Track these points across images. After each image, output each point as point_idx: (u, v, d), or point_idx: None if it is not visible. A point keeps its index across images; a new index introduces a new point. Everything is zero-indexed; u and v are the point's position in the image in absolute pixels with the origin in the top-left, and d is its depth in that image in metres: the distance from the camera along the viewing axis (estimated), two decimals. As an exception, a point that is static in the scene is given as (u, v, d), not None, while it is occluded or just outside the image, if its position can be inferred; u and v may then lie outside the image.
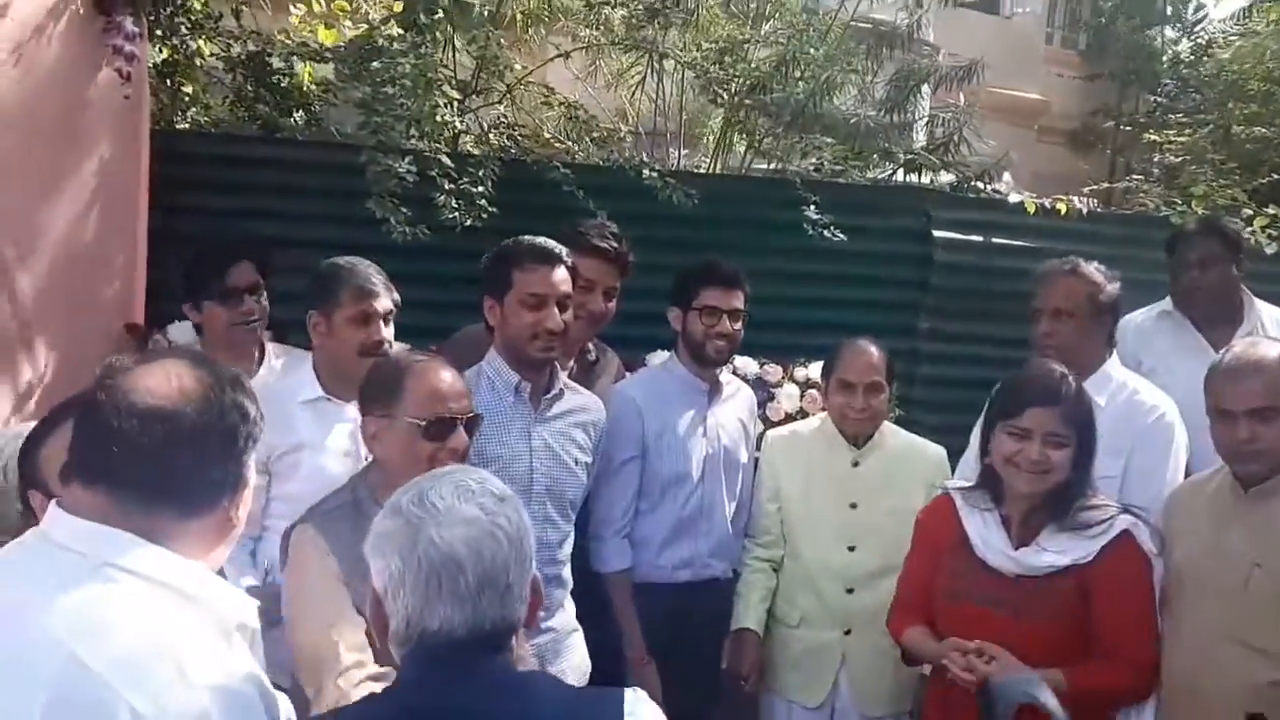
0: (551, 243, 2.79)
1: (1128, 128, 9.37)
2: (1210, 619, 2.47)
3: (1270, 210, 4.95)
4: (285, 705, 1.53)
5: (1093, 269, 3.25)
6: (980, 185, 5.42)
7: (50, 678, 1.24)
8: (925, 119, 7.41)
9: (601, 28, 5.24)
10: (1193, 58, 9.31)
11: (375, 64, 3.46)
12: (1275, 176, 6.43)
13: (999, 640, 2.50)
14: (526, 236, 2.80)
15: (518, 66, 4.72)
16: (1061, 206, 4.62)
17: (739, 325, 3.24)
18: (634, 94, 5.61)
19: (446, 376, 2.34)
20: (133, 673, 1.27)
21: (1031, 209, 4.62)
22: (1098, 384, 3.15)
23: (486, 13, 4.89)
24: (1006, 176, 10.64)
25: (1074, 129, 10.66)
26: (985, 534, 2.61)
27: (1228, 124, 7.30)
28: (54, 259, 3.23)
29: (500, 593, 1.45)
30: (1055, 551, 2.52)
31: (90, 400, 1.43)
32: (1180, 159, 7.46)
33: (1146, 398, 3.16)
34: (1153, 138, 8.14)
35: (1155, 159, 7.95)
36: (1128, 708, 2.56)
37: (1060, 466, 2.51)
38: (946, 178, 5.72)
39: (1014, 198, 4.77)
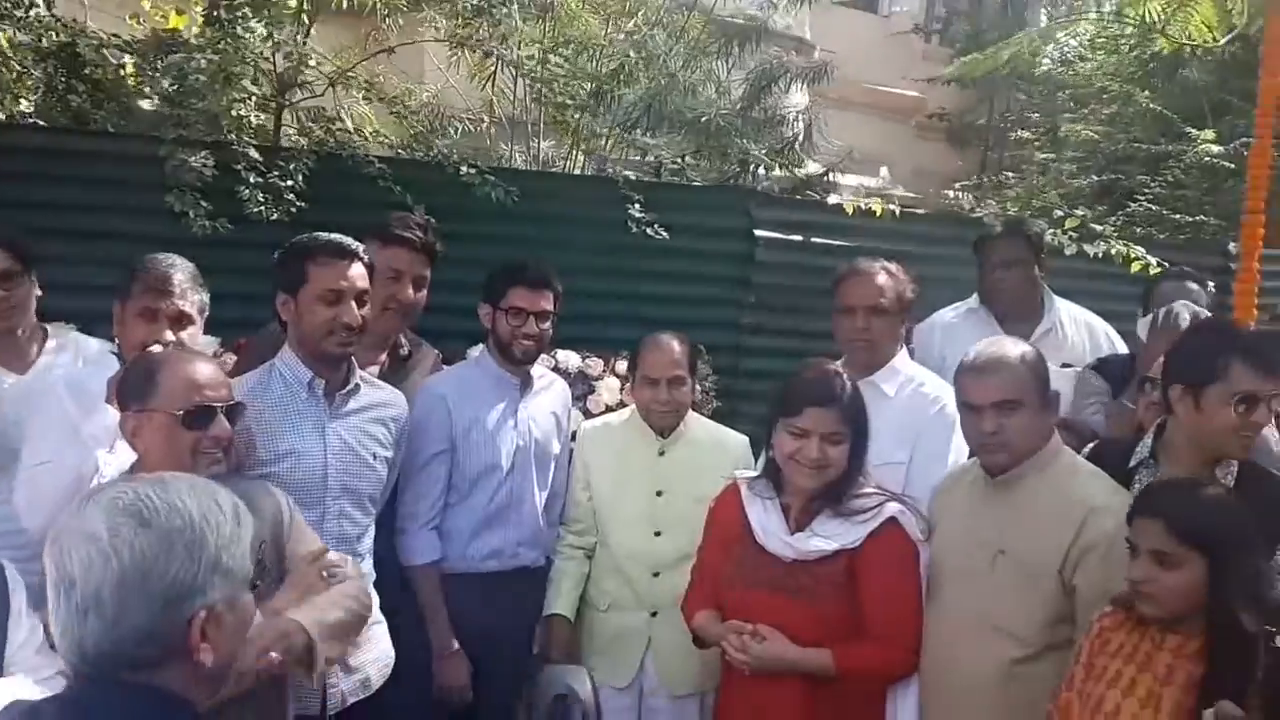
0: (346, 238, 2.79)
1: (998, 125, 9.68)
2: (962, 601, 2.62)
3: (1079, 213, 5.22)
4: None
5: (897, 268, 3.40)
6: (822, 185, 5.60)
7: None
8: (794, 115, 7.54)
9: (453, 20, 5.22)
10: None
11: (173, 60, 3.40)
12: (1096, 178, 6.80)
13: (776, 621, 2.63)
14: (321, 233, 2.80)
15: (351, 60, 4.70)
16: (876, 208, 4.81)
17: (546, 325, 3.28)
18: (485, 86, 5.62)
19: (203, 366, 2.35)
20: None
21: (850, 210, 4.78)
22: (887, 376, 3.31)
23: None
24: (884, 171, 10.92)
25: (951, 126, 10.95)
26: (765, 521, 2.74)
27: (1055, 126, 7.64)
28: None
29: (106, 622, 1.35)
30: (825, 536, 2.65)
31: None
32: (1030, 152, 7.83)
33: (931, 390, 3.32)
34: (1020, 135, 8.49)
35: (1028, 154, 8.26)
36: (893, 684, 2.70)
37: (837, 462, 2.65)
38: (813, 168, 5.88)
39: (832, 199, 4.94)
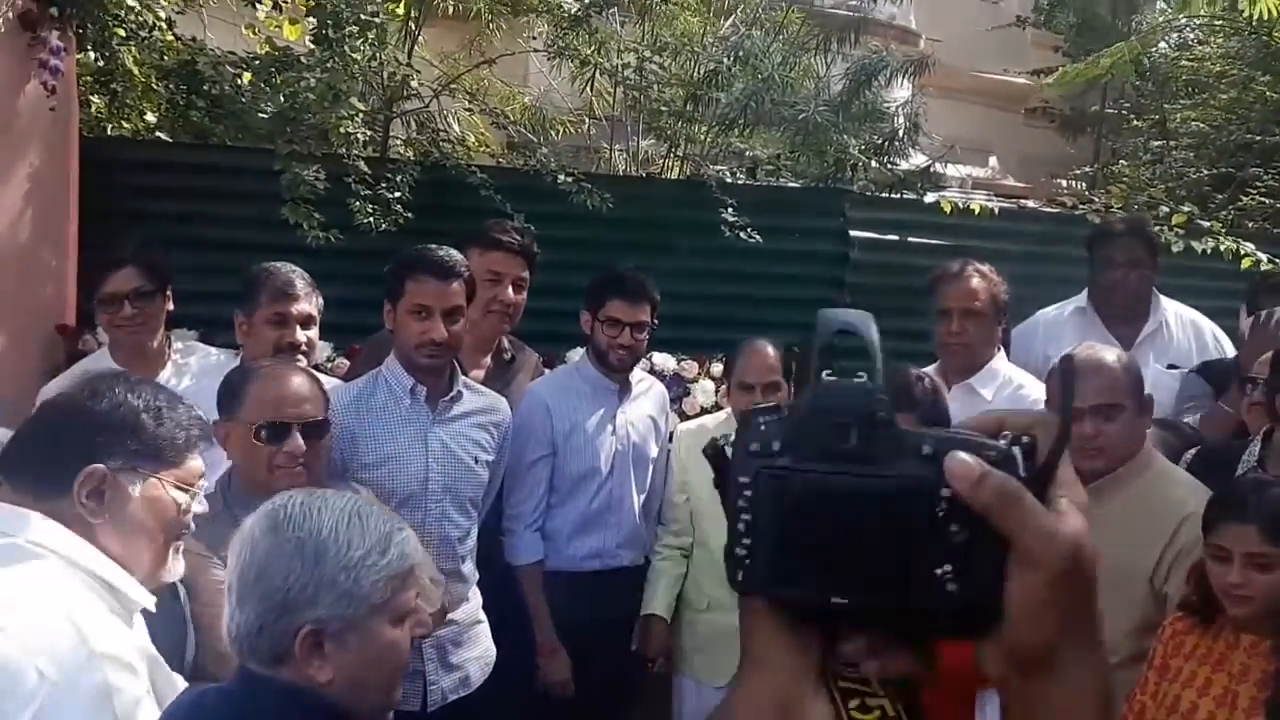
0: (450, 254, 2.88)
1: (1111, 111, 9.39)
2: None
3: (1185, 208, 5.09)
4: (181, 685, 1.68)
5: (990, 270, 3.39)
6: (925, 180, 5.54)
7: None
8: (887, 111, 7.45)
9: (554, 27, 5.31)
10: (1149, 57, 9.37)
11: (282, 77, 3.56)
12: (1206, 171, 6.59)
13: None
14: (427, 246, 2.90)
15: (457, 69, 4.83)
16: (976, 207, 4.76)
17: (642, 336, 3.34)
18: (586, 88, 5.70)
19: (292, 381, 2.44)
20: (43, 640, 1.41)
21: (947, 209, 4.74)
22: (985, 379, 3.31)
23: (439, 10, 5.03)
24: (992, 160, 10.71)
25: (1061, 113, 10.66)
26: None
27: (1164, 118, 7.40)
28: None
29: (233, 607, 1.50)
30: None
31: None
32: (1138, 143, 7.58)
33: (1031, 392, 3.30)
34: (1136, 124, 8.23)
35: (1142, 142, 8.02)
36: (983, 689, 2.71)
37: None
38: (919, 161, 5.82)
39: (930, 197, 4.89)
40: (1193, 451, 2.92)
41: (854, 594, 0.62)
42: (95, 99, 4.22)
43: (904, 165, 6.00)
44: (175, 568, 1.75)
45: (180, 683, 1.69)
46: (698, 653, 3.44)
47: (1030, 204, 6.41)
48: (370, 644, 1.51)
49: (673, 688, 3.55)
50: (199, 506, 1.77)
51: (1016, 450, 0.63)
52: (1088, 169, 8.69)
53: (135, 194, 4.12)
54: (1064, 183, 9.15)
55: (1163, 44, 7.66)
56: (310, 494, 1.56)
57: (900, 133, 6.63)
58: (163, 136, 4.38)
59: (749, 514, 0.64)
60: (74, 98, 3.81)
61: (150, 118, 4.36)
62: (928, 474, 0.62)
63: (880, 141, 6.55)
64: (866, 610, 0.64)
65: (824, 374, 0.65)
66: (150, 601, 1.66)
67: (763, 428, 0.65)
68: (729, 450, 0.66)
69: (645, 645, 3.46)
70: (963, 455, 0.61)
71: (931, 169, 6.28)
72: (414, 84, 4.09)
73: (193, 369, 3.27)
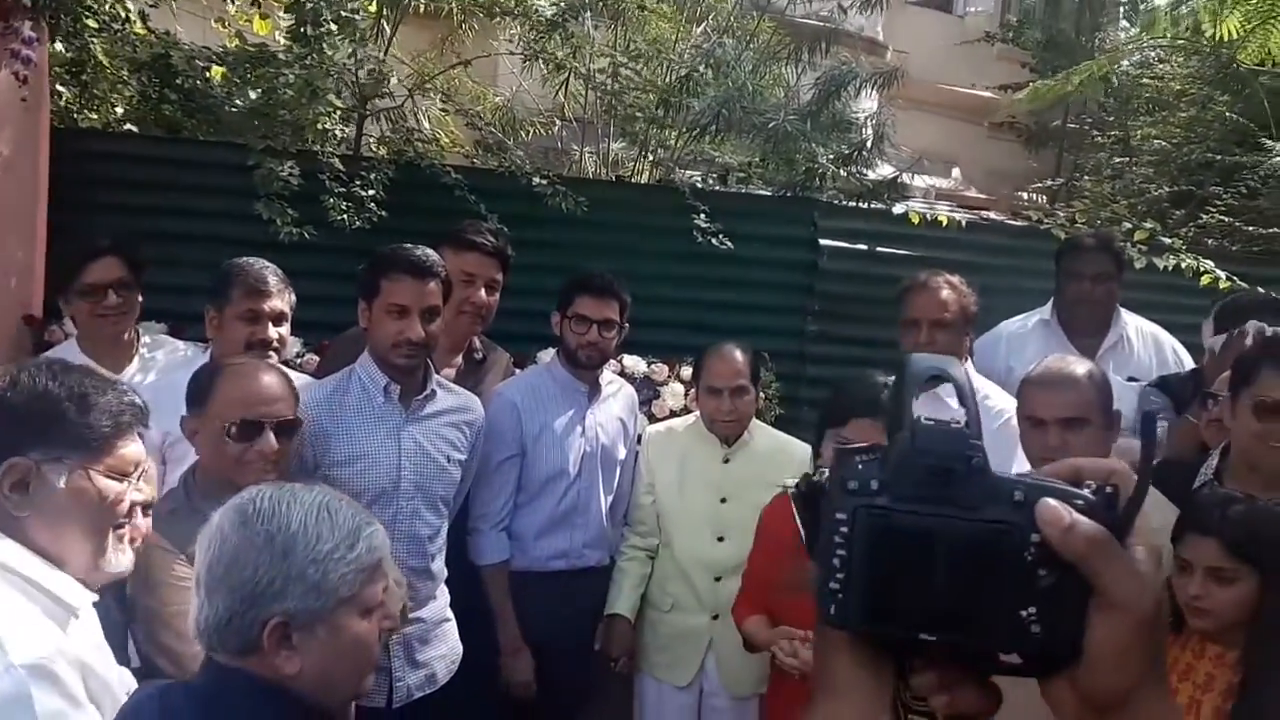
0: (426, 254, 2.89)
1: (1073, 126, 9.53)
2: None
3: (1148, 224, 5.18)
4: (128, 680, 1.67)
5: (960, 281, 3.45)
6: (892, 191, 5.61)
7: None
8: (853, 121, 7.52)
9: (527, 27, 5.33)
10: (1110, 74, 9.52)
11: (261, 72, 3.55)
12: (1167, 189, 6.70)
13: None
14: (403, 246, 2.89)
15: (432, 68, 4.83)
16: (942, 218, 4.82)
17: (610, 334, 3.36)
18: (560, 91, 5.72)
19: (265, 380, 2.43)
20: None
21: (915, 220, 4.81)
22: (950, 388, 3.35)
23: (417, 8, 5.03)
24: (956, 171, 10.81)
25: (1025, 126, 10.81)
26: (816, 530, 2.79)
27: (1127, 135, 7.53)
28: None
29: (202, 598, 1.52)
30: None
31: None
32: (1099, 159, 7.70)
33: (995, 402, 3.36)
34: (1098, 139, 8.35)
35: (1104, 158, 8.13)
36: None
37: None
38: (886, 170, 5.89)
39: (899, 208, 4.95)
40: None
41: (942, 632, 0.66)
42: (65, 90, 4.18)
43: (871, 175, 6.06)
44: (119, 559, 1.73)
45: (126, 679, 1.67)
46: (660, 652, 3.48)
47: (993, 216, 6.49)
48: (338, 636, 1.52)
49: (634, 687, 3.58)
50: (136, 494, 1.75)
51: (1101, 499, 0.67)
52: (1049, 182, 8.81)
53: (105, 186, 4.09)
54: (1026, 196, 9.26)
55: (1125, 62, 7.79)
56: (279, 488, 1.58)
57: (868, 143, 6.72)
58: (131, 129, 4.35)
59: (844, 550, 0.67)
60: (45, 88, 3.78)
61: (120, 110, 4.32)
62: (1019, 519, 0.65)
63: (848, 151, 6.63)
64: (949, 647, 0.67)
65: (922, 419, 0.68)
66: (88, 600, 1.64)
67: (860, 466, 0.68)
68: (826, 485, 0.69)
69: (609, 645, 3.49)
70: (1053, 502, 0.65)
71: (898, 179, 6.35)
72: (392, 81, 4.08)
73: (160, 362, 3.25)
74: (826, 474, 0.70)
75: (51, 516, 1.61)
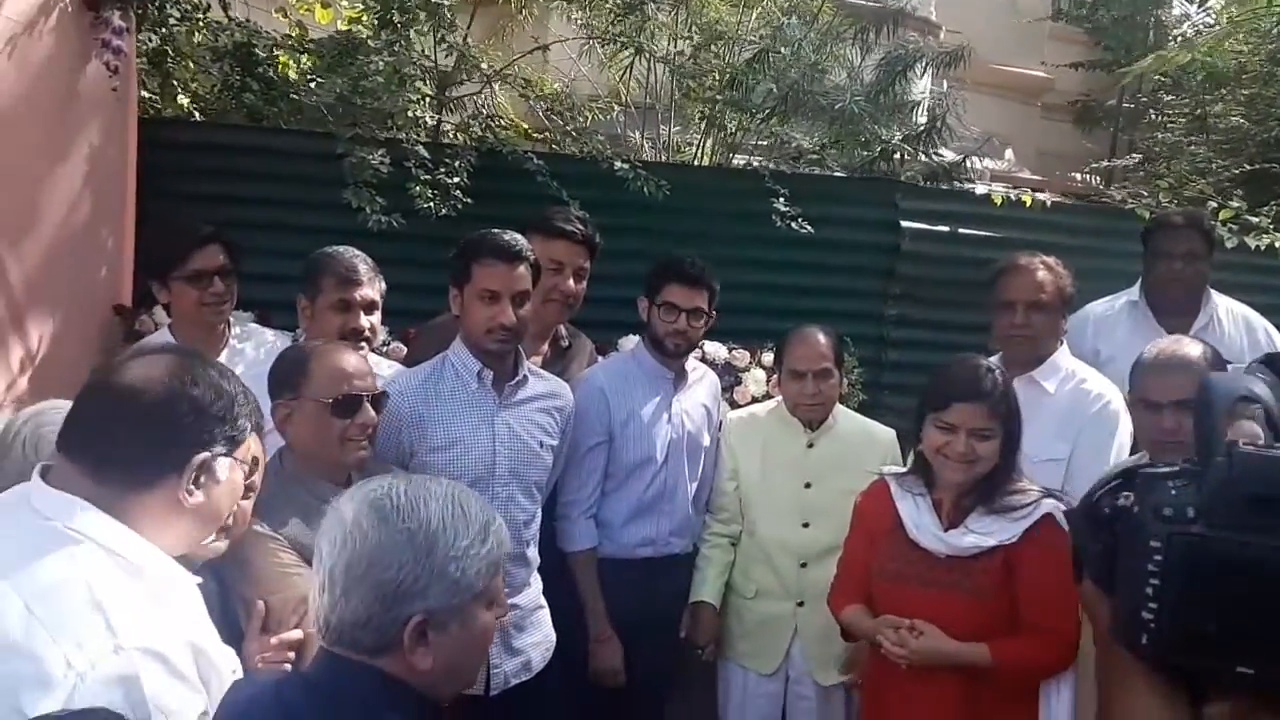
0: (516, 239, 2.88)
1: (1129, 106, 9.37)
2: (1127, 596, 2.62)
3: (1234, 203, 5.07)
4: (233, 661, 1.68)
5: (1056, 262, 3.38)
6: (961, 171, 5.54)
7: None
8: (914, 103, 7.45)
9: (589, 10, 5.32)
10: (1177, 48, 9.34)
11: (351, 61, 3.56)
12: (1249, 166, 6.56)
13: (929, 617, 2.66)
14: (492, 231, 2.89)
15: (496, 55, 4.83)
16: (1026, 199, 4.75)
17: (699, 323, 3.34)
18: (623, 75, 5.71)
19: (350, 356, 2.49)
20: (72, 628, 1.40)
21: (998, 201, 4.73)
22: (1048, 372, 3.31)
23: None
24: (1009, 153, 10.68)
25: (1078, 106, 10.63)
26: (917, 517, 2.76)
27: (1204, 113, 7.36)
28: (47, 244, 3.36)
29: (335, 598, 1.49)
30: (982, 533, 2.66)
31: (84, 386, 1.65)
32: (1172, 140, 7.55)
33: (1093, 386, 3.30)
34: (1152, 118, 8.21)
35: (1158, 137, 7.98)
36: (1049, 680, 2.72)
37: (986, 457, 2.65)
38: (949, 155, 5.83)
39: (980, 189, 4.89)
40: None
41: (1261, 664, 0.63)
42: (147, 80, 4.22)
43: (938, 157, 5.98)
44: (219, 545, 1.78)
45: (232, 660, 1.68)
46: (745, 640, 3.47)
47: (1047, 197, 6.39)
48: (469, 630, 1.52)
49: (719, 673, 3.56)
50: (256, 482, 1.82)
51: None
52: (1105, 163, 8.66)
53: (191, 175, 4.14)
54: (1079, 177, 9.11)
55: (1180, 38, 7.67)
56: (410, 482, 1.55)
57: (939, 124, 6.63)
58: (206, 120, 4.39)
59: (1158, 579, 0.65)
60: (134, 79, 3.82)
61: (201, 100, 4.36)
62: None
63: (919, 132, 6.55)
64: (1263, 679, 0.64)
65: (1240, 444, 0.66)
66: (193, 582, 1.66)
67: (1173, 492, 0.66)
68: (1135, 509, 0.67)
69: (694, 632, 3.48)
70: None
71: (966, 162, 6.27)
72: (482, 67, 4.07)
73: (250, 352, 3.28)
74: (1131, 498, 0.68)
75: (208, 507, 1.65)
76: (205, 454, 1.61)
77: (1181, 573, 0.59)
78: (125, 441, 1.58)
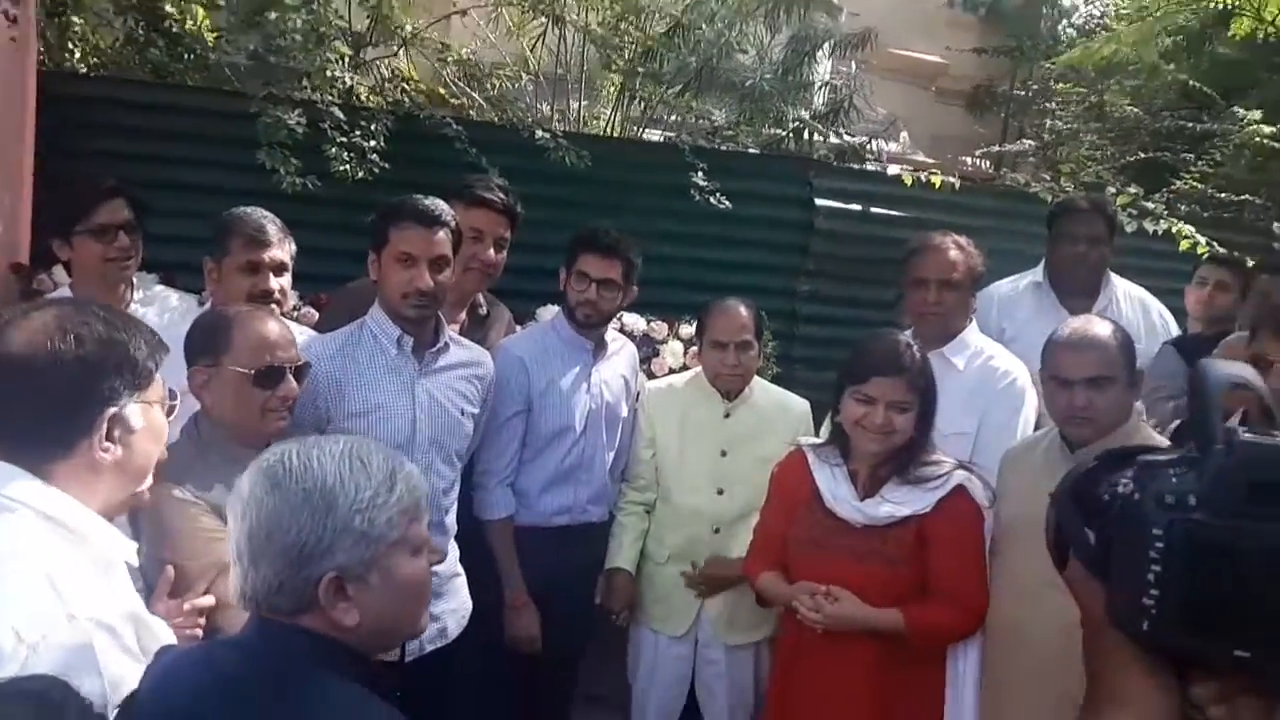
0: (436, 203, 2.84)
1: (1020, 93, 9.65)
2: (1033, 566, 2.66)
3: (1131, 190, 5.25)
4: (165, 632, 1.64)
5: (967, 242, 3.46)
6: (866, 152, 5.65)
7: None
8: (824, 82, 7.55)
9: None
10: (1073, 37, 9.62)
11: (268, 16, 3.46)
12: (1143, 154, 6.79)
13: (845, 583, 2.73)
14: (413, 195, 2.85)
15: (417, 21, 4.74)
16: (935, 180, 4.85)
17: (611, 294, 3.33)
18: (534, 44, 5.65)
19: (273, 325, 2.42)
20: (19, 601, 1.36)
21: (909, 181, 4.83)
22: (957, 348, 3.38)
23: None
24: (904, 136, 10.88)
25: (971, 92, 10.89)
26: (834, 486, 2.82)
27: (1102, 101, 7.60)
28: (-62, 199, 3.22)
29: (245, 567, 1.46)
30: (896, 503, 2.74)
31: None
32: (1066, 128, 7.79)
33: (1000, 363, 3.39)
34: (1044, 106, 8.45)
35: (1046, 125, 8.21)
36: (956, 644, 2.81)
37: (903, 429, 2.73)
38: (844, 139, 5.92)
39: (892, 169, 4.98)
40: (1174, 425, 3.04)
41: (1259, 648, 0.64)
42: (47, 31, 4.04)
43: (846, 138, 6.07)
44: (149, 493, 1.73)
45: (165, 632, 1.65)
46: (656, 604, 3.51)
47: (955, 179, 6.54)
48: (392, 580, 1.49)
49: (630, 638, 3.61)
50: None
51: None
52: (995, 148, 8.90)
53: (93, 131, 3.98)
54: (970, 161, 9.35)
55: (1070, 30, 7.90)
56: (303, 443, 1.51)
57: (847, 105, 6.74)
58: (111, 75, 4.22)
59: (1159, 565, 0.66)
60: (33, 29, 3.65)
61: (98, 54, 4.18)
62: None
63: (828, 112, 6.64)
64: (1259, 662, 0.66)
65: (1240, 433, 0.67)
66: (131, 550, 1.63)
67: (1174, 480, 0.67)
68: (1136, 496, 0.67)
69: (610, 598, 3.51)
70: None
71: (871, 143, 6.38)
72: (406, 27, 3.97)
73: (153, 315, 3.18)
74: (1130, 485, 0.69)
75: (130, 457, 1.60)
76: (111, 409, 1.56)
77: (1183, 559, 0.61)
78: (23, 415, 1.52)
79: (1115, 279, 4.11)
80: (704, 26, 5.23)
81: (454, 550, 3.05)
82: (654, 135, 5.57)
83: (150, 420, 1.64)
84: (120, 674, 1.42)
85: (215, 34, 4.19)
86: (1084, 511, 0.73)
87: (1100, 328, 2.76)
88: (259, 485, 1.45)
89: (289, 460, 1.46)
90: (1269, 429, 0.70)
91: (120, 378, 1.58)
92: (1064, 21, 10.08)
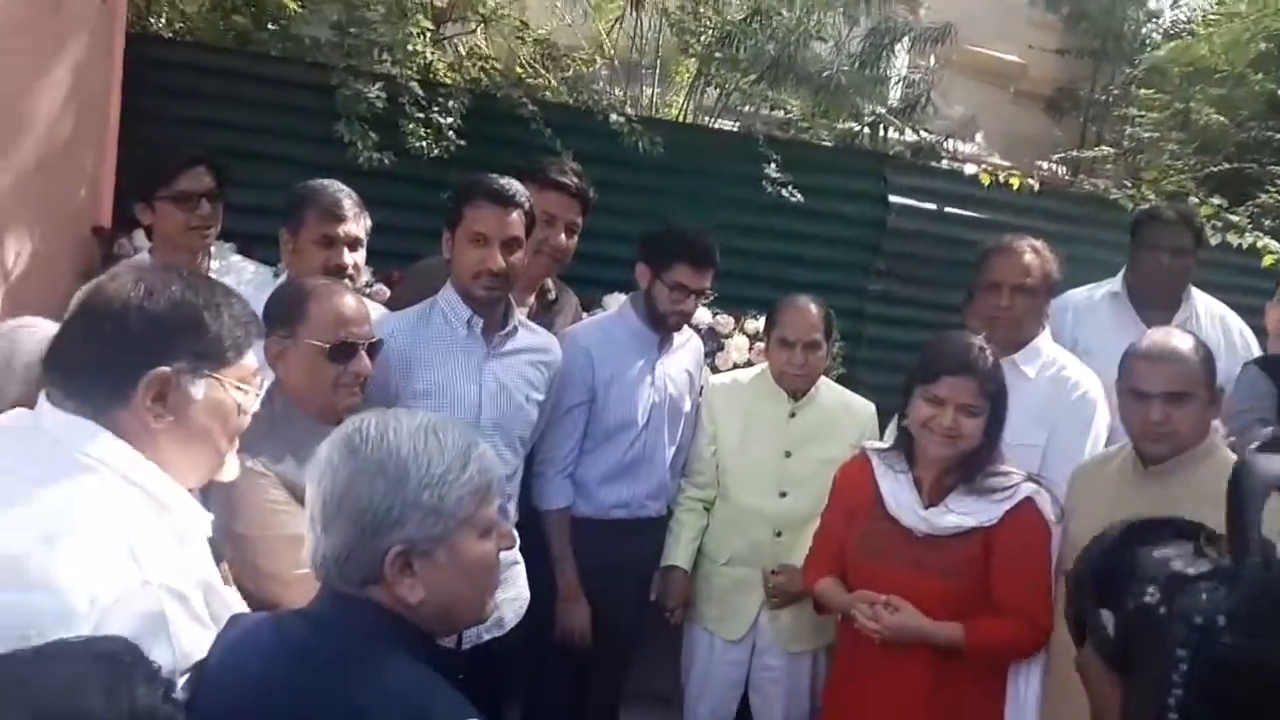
0: (510, 184, 2.82)
1: (1100, 97, 9.48)
2: (1103, 584, 2.65)
3: (1215, 201, 5.11)
4: (237, 601, 1.65)
5: (1044, 247, 3.39)
6: (944, 149, 5.56)
7: (15, 559, 1.34)
8: (900, 77, 7.45)
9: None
10: (1159, 41, 9.41)
11: (347, -12, 3.46)
12: (1228, 165, 6.62)
13: (905, 594, 2.67)
14: (489, 175, 2.83)
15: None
16: (1014, 182, 4.75)
17: (701, 300, 3.35)
18: (612, 28, 5.62)
19: (350, 301, 2.42)
20: (97, 564, 1.37)
21: (986, 182, 4.74)
22: (1029, 357, 3.31)
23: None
24: (979, 136, 10.74)
25: (1049, 94, 10.72)
26: (898, 493, 2.76)
27: (1187, 108, 7.41)
28: (26, 162, 3.25)
29: (318, 535, 1.47)
30: (962, 513, 2.67)
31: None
32: (1147, 135, 7.63)
33: (1072, 374, 3.31)
34: (1125, 111, 8.28)
35: (1126, 131, 8.06)
36: (1018, 663, 2.75)
37: (972, 434, 2.66)
38: (920, 135, 5.84)
39: (969, 169, 4.89)
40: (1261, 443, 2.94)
41: None
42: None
43: (923, 134, 5.99)
44: (231, 467, 1.72)
45: (237, 601, 1.66)
46: (714, 605, 3.47)
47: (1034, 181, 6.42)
48: (459, 559, 1.49)
49: (684, 637, 3.58)
50: (253, 405, 1.72)
51: None
52: (1073, 152, 8.72)
53: (177, 97, 4.02)
54: (1046, 165, 9.19)
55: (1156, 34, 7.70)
56: (382, 414, 1.52)
57: (924, 101, 6.64)
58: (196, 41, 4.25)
59: (1182, 689, 0.62)
60: (122, -8, 3.70)
61: (194, 20, 4.22)
62: None
63: (905, 107, 6.55)
64: None
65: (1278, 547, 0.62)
66: (208, 523, 1.63)
67: (1204, 597, 0.63)
68: (1162, 610, 0.64)
69: (665, 595, 3.48)
70: None
71: (946, 141, 6.29)
72: (478, 7, 3.97)
73: (230, 282, 3.18)
74: (1156, 595, 0.65)
75: (187, 428, 1.58)
76: (163, 369, 1.54)
77: (1209, 686, 0.57)
78: (85, 359, 1.53)
79: (1196, 293, 4.00)
80: (783, 14, 5.13)
81: (514, 539, 3.03)
82: (726, 125, 5.52)
83: (216, 397, 1.61)
84: (190, 641, 1.43)
85: (299, 3, 4.20)
86: (1103, 594, 0.68)
87: (1181, 341, 2.68)
88: (335, 453, 1.47)
89: (366, 429, 1.48)
90: None
91: (184, 341, 1.56)
92: (1150, 24, 9.89)
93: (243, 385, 1.66)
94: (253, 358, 1.69)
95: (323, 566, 1.47)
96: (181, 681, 1.40)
